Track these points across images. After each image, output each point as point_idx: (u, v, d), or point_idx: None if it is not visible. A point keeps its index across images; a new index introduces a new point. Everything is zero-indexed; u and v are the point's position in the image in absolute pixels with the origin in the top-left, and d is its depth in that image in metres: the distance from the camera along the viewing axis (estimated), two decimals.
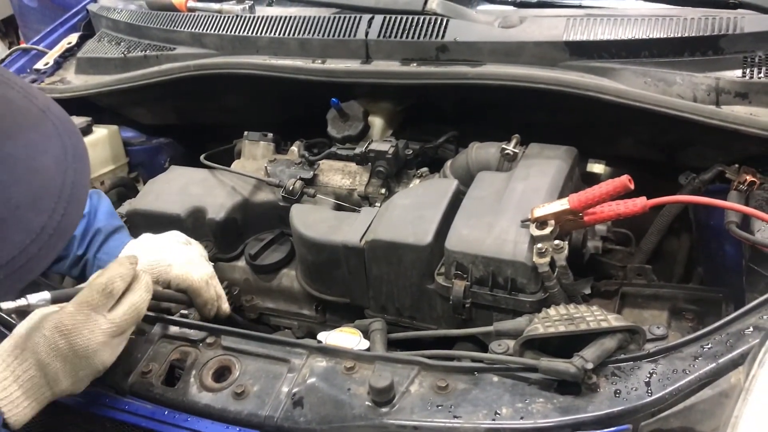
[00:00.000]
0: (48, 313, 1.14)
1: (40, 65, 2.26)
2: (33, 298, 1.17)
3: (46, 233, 0.87)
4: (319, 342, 1.30)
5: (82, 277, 1.48)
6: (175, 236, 1.54)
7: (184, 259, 1.46)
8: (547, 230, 1.27)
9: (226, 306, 1.51)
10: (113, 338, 1.17)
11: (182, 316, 1.37)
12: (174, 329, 1.31)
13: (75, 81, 2.18)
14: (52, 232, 0.87)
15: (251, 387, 1.17)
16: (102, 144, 2.05)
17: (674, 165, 1.63)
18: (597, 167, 1.73)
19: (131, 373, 1.24)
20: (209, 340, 1.28)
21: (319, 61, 1.76)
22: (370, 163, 1.72)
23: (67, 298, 1.17)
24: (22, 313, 1.18)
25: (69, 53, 2.31)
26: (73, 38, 2.34)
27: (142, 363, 1.26)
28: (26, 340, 1.10)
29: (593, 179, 1.68)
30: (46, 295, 1.18)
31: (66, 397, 1.16)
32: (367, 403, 1.10)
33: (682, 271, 1.72)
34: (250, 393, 1.17)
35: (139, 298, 1.21)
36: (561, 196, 1.38)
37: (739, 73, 1.45)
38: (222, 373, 1.23)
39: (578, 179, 1.58)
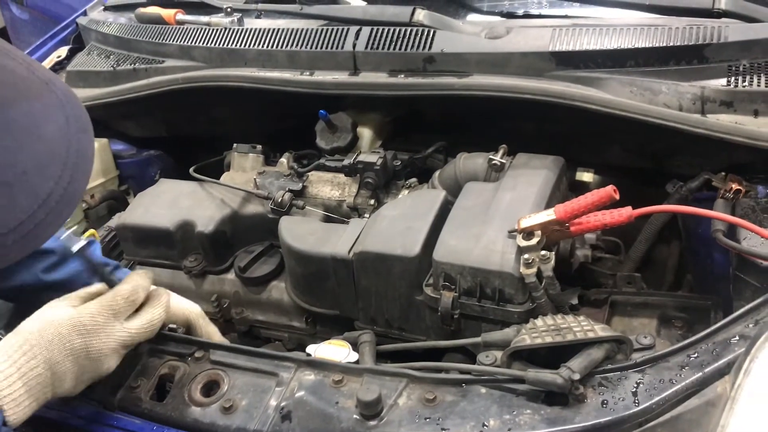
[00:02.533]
0: (63, 312, 1.13)
1: None
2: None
3: (53, 200, 0.88)
4: (308, 355, 1.30)
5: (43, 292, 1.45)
6: None
7: (176, 296, 1.47)
8: (534, 241, 1.27)
9: (220, 339, 1.51)
10: (124, 347, 1.19)
11: (171, 330, 1.36)
12: (163, 344, 1.31)
13: None
14: (58, 198, 0.88)
15: (240, 401, 1.17)
16: None
17: (662, 173, 1.64)
18: (586, 176, 1.74)
19: (120, 388, 1.24)
20: (198, 354, 1.28)
21: (308, 73, 1.77)
22: (358, 175, 1.72)
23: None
24: None
25: (59, 66, 2.31)
26: (63, 51, 2.33)
27: (131, 378, 1.26)
28: (38, 337, 1.09)
29: (582, 188, 1.68)
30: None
31: (61, 400, 1.17)
32: (355, 416, 1.10)
33: (672, 279, 1.72)
34: (239, 407, 1.16)
35: (157, 315, 1.23)
36: (548, 206, 1.38)
37: (723, 81, 1.46)
38: (211, 388, 1.22)
39: (566, 189, 1.59)
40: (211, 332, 1.46)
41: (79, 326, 1.11)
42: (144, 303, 1.24)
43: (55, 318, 1.12)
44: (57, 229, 0.94)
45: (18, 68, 0.90)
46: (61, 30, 2.44)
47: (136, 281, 1.21)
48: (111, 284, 1.24)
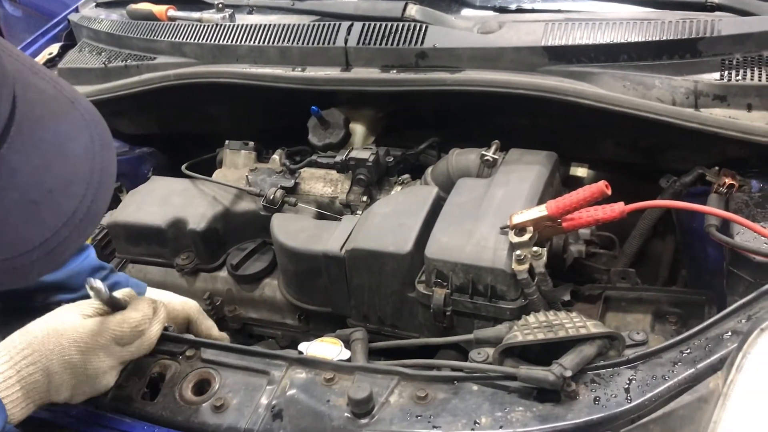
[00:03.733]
0: (70, 322, 1.14)
1: None
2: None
3: (77, 217, 0.88)
4: (300, 353, 1.30)
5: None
6: None
7: (172, 295, 1.48)
8: (526, 237, 1.27)
9: (218, 334, 1.52)
10: (122, 364, 1.20)
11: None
12: None
13: None
14: (82, 216, 0.89)
15: (231, 400, 1.16)
16: None
17: (655, 168, 1.64)
18: (580, 171, 1.73)
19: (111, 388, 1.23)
20: (189, 352, 1.27)
21: (299, 69, 1.75)
22: (351, 171, 1.72)
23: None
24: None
25: (50, 64, 2.29)
26: (54, 49, 2.32)
27: (122, 377, 1.25)
28: (41, 344, 1.09)
29: (577, 183, 1.67)
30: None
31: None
32: (346, 414, 1.09)
33: (667, 274, 1.72)
34: (230, 406, 1.16)
35: (154, 333, 1.23)
36: (541, 201, 1.38)
37: (717, 75, 1.45)
38: (202, 386, 1.22)
39: (559, 184, 1.58)
40: (210, 327, 1.47)
41: (80, 342, 1.12)
42: None
43: (60, 327, 1.12)
44: (79, 246, 0.96)
45: (46, 87, 0.91)
46: (53, 27, 2.43)
47: (144, 311, 1.21)
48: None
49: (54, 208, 0.87)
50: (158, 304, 1.27)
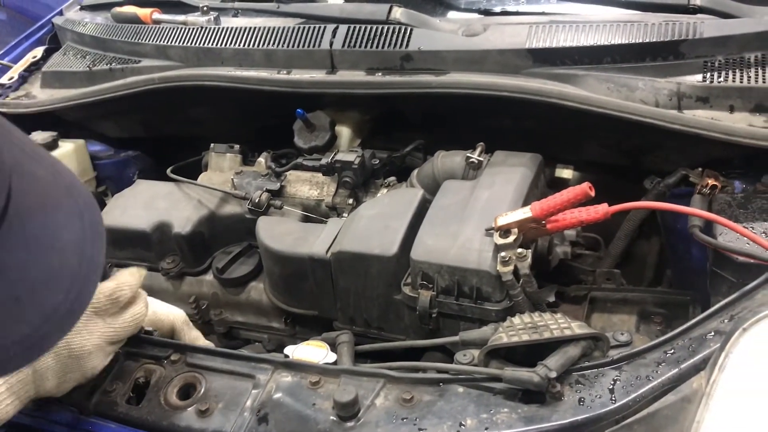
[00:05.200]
0: None
1: (4, 80, 2.24)
2: None
3: (59, 313, 0.86)
4: (286, 356, 1.29)
5: None
6: None
7: (159, 302, 1.46)
8: (511, 238, 1.27)
9: (204, 343, 1.50)
10: (108, 345, 1.18)
11: (147, 333, 1.35)
12: (138, 347, 1.30)
13: (40, 95, 2.15)
14: (64, 312, 0.86)
15: (216, 404, 1.16)
16: (68, 159, 2.03)
17: (639, 169, 1.65)
18: (565, 172, 1.74)
19: (95, 392, 1.22)
20: (174, 357, 1.26)
21: (285, 72, 1.75)
22: (337, 174, 1.71)
23: None
24: None
25: (34, 67, 2.28)
26: (38, 52, 2.31)
27: (106, 382, 1.24)
28: None
29: (562, 185, 1.68)
30: None
31: (35, 404, 1.16)
32: (332, 417, 1.09)
33: (652, 275, 1.73)
34: (215, 410, 1.15)
35: (140, 310, 1.22)
36: (526, 203, 1.38)
37: (699, 77, 1.46)
38: (187, 391, 1.21)
39: (544, 186, 1.59)
40: (195, 338, 1.45)
41: None
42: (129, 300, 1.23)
43: None
44: (59, 340, 0.91)
45: (44, 174, 0.88)
46: (37, 30, 2.42)
47: (120, 279, 1.20)
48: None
49: (37, 304, 0.84)
50: (139, 290, 1.25)
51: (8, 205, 0.79)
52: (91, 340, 1.13)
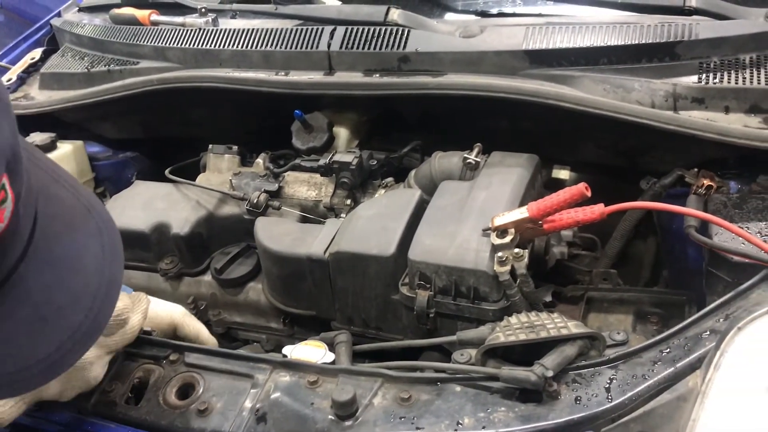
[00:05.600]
0: None
1: (3, 81, 2.24)
2: None
3: (81, 331, 0.89)
4: (284, 356, 1.30)
5: None
6: None
7: (156, 300, 1.47)
8: (508, 239, 1.28)
9: (207, 335, 1.51)
10: (107, 354, 1.20)
11: (146, 333, 1.35)
12: (137, 347, 1.30)
13: (39, 97, 2.16)
14: (86, 329, 0.89)
15: (215, 404, 1.17)
16: (67, 160, 2.03)
17: (636, 169, 1.65)
18: (562, 173, 1.75)
19: (94, 392, 1.23)
20: (172, 357, 1.27)
21: (282, 73, 1.76)
22: (334, 175, 1.72)
23: None
24: None
25: (32, 68, 2.29)
26: (37, 53, 2.31)
27: (105, 382, 1.25)
28: None
29: (559, 185, 1.69)
30: None
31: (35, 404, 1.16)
32: (330, 417, 1.10)
33: (648, 275, 1.74)
34: (214, 410, 1.16)
35: (136, 321, 1.23)
36: (523, 203, 1.39)
37: (695, 78, 1.47)
38: (185, 391, 1.22)
39: (540, 186, 1.59)
40: (199, 328, 1.46)
41: None
42: None
43: None
44: (81, 356, 0.95)
45: (66, 196, 0.91)
46: (35, 31, 2.42)
47: (124, 301, 1.21)
48: None
49: (61, 323, 0.87)
50: (141, 296, 1.27)
51: (35, 228, 0.82)
52: (93, 352, 1.15)
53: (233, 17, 2.07)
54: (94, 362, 1.16)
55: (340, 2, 2.04)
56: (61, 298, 0.87)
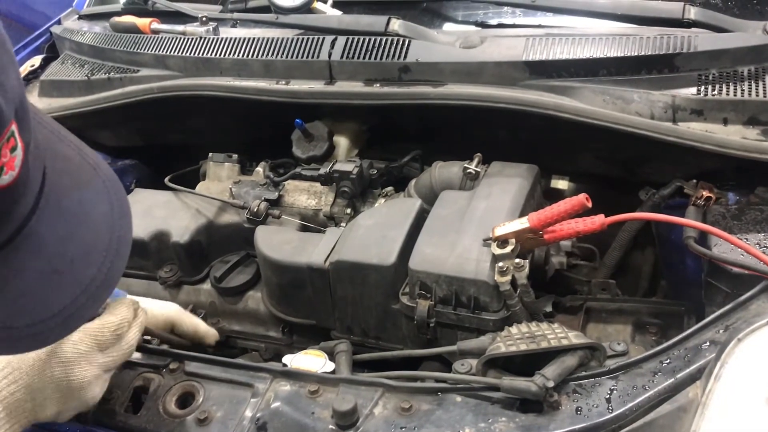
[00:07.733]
0: None
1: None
2: None
3: (94, 285, 0.90)
4: (284, 365, 1.30)
5: None
6: None
7: (150, 301, 1.47)
8: (508, 249, 1.28)
9: (205, 327, 1.51)
10: (105, 372, 1.18)
11: (145, 342, 1.35)
12: (137, 355, 1.30)
13: (38, 104, 2.15)
14: (99, 283, 0.90)
15: (215, 413, 1.17)
16: None
17: (635, 180, 1.66)
18: (561, 183, 1.76)
19: None
20: (172, 365, 1.27)
21: (283, 82, 1.76)
22: (335, 184, 1.72)
23: None
24: None
25: (32, 76, 2.29)
26: (36, 61, 2.31)
27: (105, 390, 1.24)
28: (20, 360, 1.08)
29: (558, 195, 1.70)
30: None
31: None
32: (330, 426, 1.10)
33: (647, 285, 1.74)
34: (214, 419, 1.16)
35: (133, 336, 1.22)
36: (523, 213, 1.39)
37: (694, 90, 1.48)
38: (185, 399, 1.22)
39: (540, 196, 1.60)
40: (196, 323, 1.47)
41: (60, 355, 1.10)
42: None
43: None
44: (95, 311, 0.97)
45: (72, 154, 0.92)
46: (35, 39, 2.42)
47: (122, 314, 1.20)
48: None
49: (75, 276, 0.88)
50: (137, 305, 1.26)
51: (44, 183, 0.83)
52: (90, 371, 1.13)
53: (234, 26, 2.07)
54: (93, 382, 1.14)
55: (341, 12, 2.04)
56: (74, 251, 0.87)
